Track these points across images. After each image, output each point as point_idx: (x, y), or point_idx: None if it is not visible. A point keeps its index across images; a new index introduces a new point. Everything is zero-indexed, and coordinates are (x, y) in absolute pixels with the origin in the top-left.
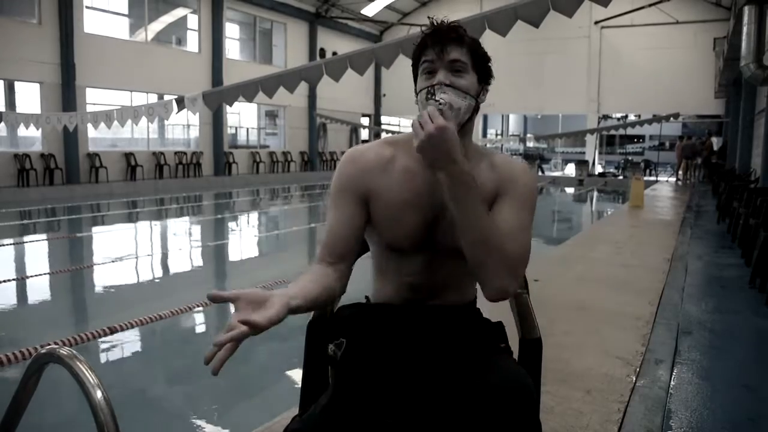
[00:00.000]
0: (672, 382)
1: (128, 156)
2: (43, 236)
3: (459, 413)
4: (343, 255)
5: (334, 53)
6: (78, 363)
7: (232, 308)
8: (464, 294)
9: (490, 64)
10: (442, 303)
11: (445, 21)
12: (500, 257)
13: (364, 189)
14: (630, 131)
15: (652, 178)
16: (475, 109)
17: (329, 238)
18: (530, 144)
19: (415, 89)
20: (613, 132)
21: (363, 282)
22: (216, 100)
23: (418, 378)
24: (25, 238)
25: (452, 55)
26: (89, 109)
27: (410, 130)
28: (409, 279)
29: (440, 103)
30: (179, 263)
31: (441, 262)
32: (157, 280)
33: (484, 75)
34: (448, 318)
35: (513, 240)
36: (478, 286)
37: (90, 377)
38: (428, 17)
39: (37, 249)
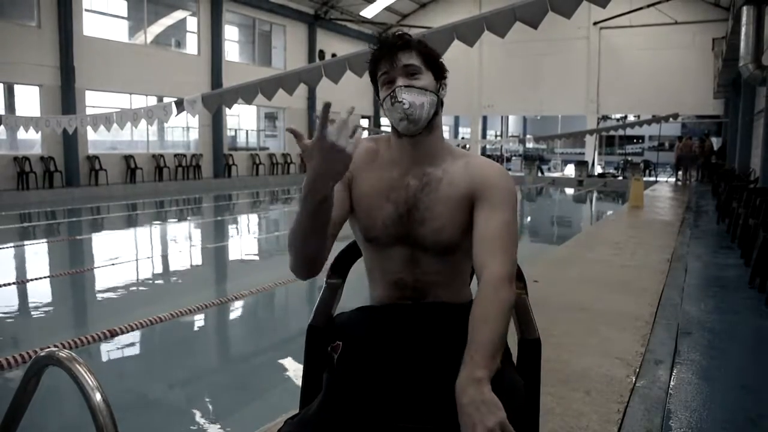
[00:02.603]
0: (672, 383)
1: (128, 158)
2: (43, 239)
3: (454, 415)
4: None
5: (334, 55)
6: (77, 365)
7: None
8: (457, 294)
9: (441, 61)
10: (434, 301)
11: (392, 33)
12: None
13: (350, 175)
14: (629, 132)
15: (652, 179)
16: (440, 104)
17: None
18: (530, 145)
19: (380, 102)
20: (612, 133)
21: (365, 290)
22: (215, 102)
23: (413, 378)
24: (25, 241)
25: (404, 60)
26: (89, 111)
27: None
28: (393, 277)
29: (403, 104)
30: (179, 266)
31: (419, 256)
32: (156, 283)
33: (439, 72)
34: (443, 315)
35: (500, 239)
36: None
37: (89, 380)
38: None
39: (37, 252)
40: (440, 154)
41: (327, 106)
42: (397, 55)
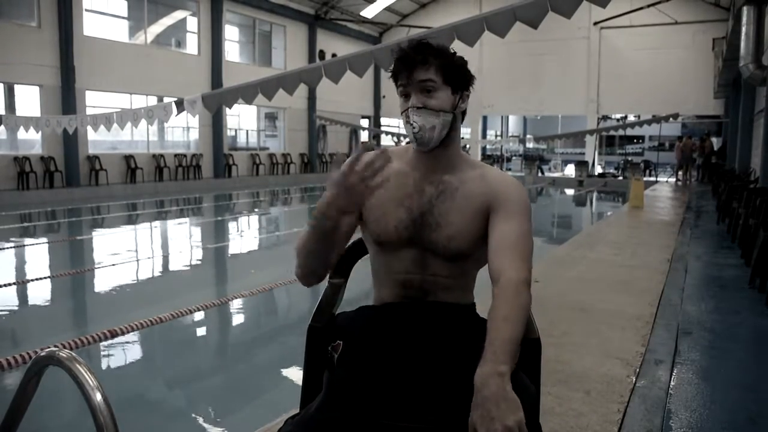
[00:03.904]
0: (672, 383)
1: (128, 158)
2: (44, 239)
3: (455, 415)
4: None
5: (334, 55)
6: (77, 365)
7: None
8: (460, 296)
9: (465, 70)
10: (436, 301)
11: (413, 41)
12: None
13: None
14: (629, 132)
15: (652, 179)
16: (458, 118)
17: None
18: (530, 145)
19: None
20: (612, 133)
21: (366, 291)
22: (215, 102)
23: (413, 377)
24: (26, 241)
25: (420, 76)
26: (89, 111)
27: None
28: (400, 276)
29: (413, 127)
30: (179, 266)
31: (430, 260)
32: (157, 283)
33: (459, 84)
34: (445, 315)
35: (518, 247)
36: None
37: (89, 380)
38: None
39: (38, 252)
40: (457, 164)
41: (368, 148)
42: (415, 70)
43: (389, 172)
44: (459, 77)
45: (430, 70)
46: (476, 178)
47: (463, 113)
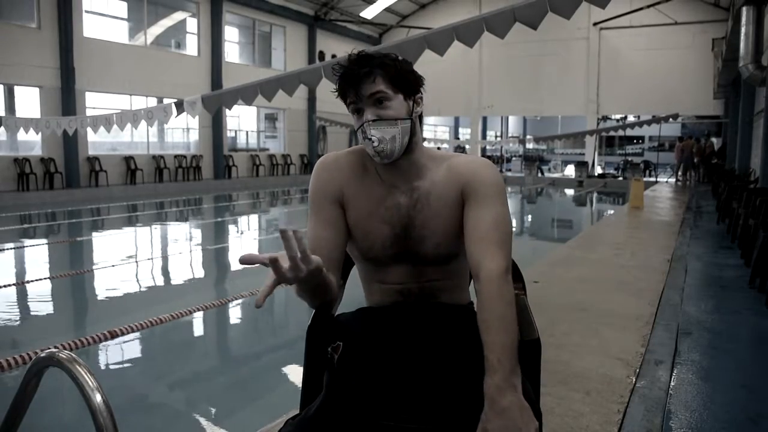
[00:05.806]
0: (672, 383)
1: (128, 160)
2: (43, 240)
3: (455, 414)
4: (330, 260)
5: (334, 56)
6: (77, 366)
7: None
8: (459, 295)
9: (412, 74)
10: (435, 302)
11: (353, 55)
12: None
13: (339, 193)
14: (629, 132)
15: (652, 179)
16: (417, 122)
17: (313, 243)
18: (530, 146)
19: (355, 130)
20: (612, 133)
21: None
22: (215, 103)
23: (413, 378)
24: (25, 243)
25: (369, 90)
26: (89, 113)
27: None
28: (395, 287)
29: (372, 141)
30: (179, 267)
31: (423, 269)
32: (157, 284)
33: (410, 89)
34: (444, 316)
35: (493, 234)
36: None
37: (89, 381)
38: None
39: (37, 253)
40: (425, 165)
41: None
42: (361, 85)
43: (366, 176)
44: (408, 82)
45: (378, 81)
46: (445, 174)
47: (420, 116)
